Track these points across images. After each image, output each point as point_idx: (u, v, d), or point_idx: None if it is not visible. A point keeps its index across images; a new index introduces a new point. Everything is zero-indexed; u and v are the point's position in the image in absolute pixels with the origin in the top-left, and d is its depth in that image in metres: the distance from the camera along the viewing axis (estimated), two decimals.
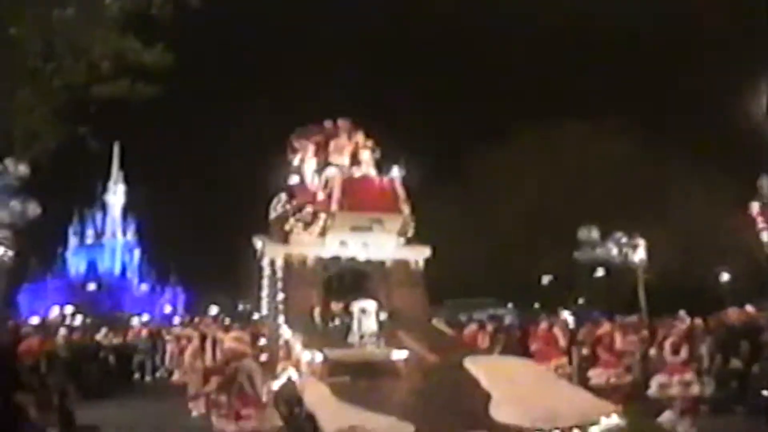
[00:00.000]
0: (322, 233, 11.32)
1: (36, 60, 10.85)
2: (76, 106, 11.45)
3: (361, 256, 11.71)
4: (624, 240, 14.94)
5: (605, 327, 13.06)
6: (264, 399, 7.85)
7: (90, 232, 74.51)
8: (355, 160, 12.12)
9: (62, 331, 17.17)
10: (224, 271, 55.34)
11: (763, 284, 16.05)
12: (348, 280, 12.06)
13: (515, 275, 27.11)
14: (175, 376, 13.91)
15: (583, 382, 11.86)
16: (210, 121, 57.25)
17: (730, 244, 22.55)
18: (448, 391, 9.18)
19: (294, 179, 12.47)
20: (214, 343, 11.88)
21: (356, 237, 11.43)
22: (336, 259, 11.68)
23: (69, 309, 51.16)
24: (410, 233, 11.66)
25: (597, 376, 12.25)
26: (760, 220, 14.12)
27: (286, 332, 10.87)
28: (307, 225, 11.62)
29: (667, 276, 21.36)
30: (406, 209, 11.42)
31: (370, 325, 10.75)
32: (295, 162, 12.49)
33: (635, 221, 14.67)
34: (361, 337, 10.72)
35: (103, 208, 75.34)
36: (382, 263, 11.90)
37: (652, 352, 12.30)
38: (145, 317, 43.25)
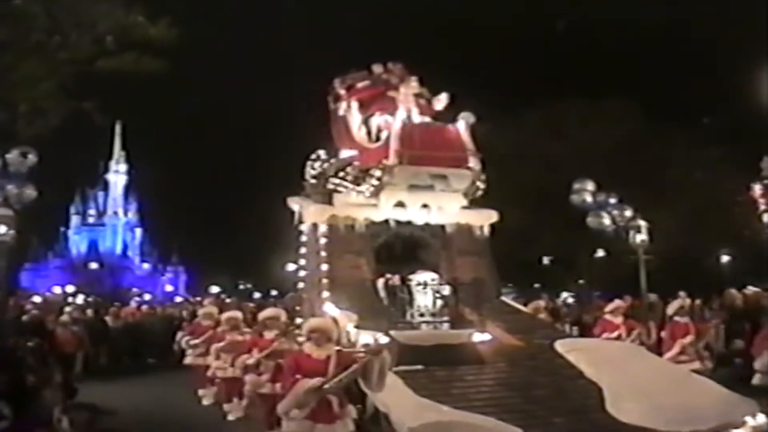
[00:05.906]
0: (376, 192, 9.44)
1: (40, 34, 10.92)
2: (81, 81, 11.58)
3: (419, 220, 9.88)
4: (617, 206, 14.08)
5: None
6: None
7: (92, 212, 72.80)
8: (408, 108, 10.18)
9: (67, 308, 16.02)
10: (226, 250, 54.43)
11: (764, 265, 15.59)
12: (399, 247, 10.28)
13: (515, 255, 26.00)
14: (188, 359, 12.31)
15: None
16: (214, 97, 54.58)
17: (732, 225, 22.27)
18: (546, 382, 7.44)
19: (337, 131, 10.63)
20: None
21: (415, 197, 9.52)
22: (388, 222, 9.86)
23: (71, 288, 49.49)
24: (479, 193, 9.76)
25: None
26: (761, 201, 13.60)
27: (332, 309, 9.10)
28: (357, 183, 9.77)
29: (668, 257, 20.69)
30: (476, 164, 9.44)
31: (434, 301, 8.97)
32: (340, 112, 10.61)
33: (637, 202, 14.03)
34: (422, 315, 8.93)
35: (105, 187, 73.61)
36: (442, 228, 10.08)
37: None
38: (147, 296, 41.76)
